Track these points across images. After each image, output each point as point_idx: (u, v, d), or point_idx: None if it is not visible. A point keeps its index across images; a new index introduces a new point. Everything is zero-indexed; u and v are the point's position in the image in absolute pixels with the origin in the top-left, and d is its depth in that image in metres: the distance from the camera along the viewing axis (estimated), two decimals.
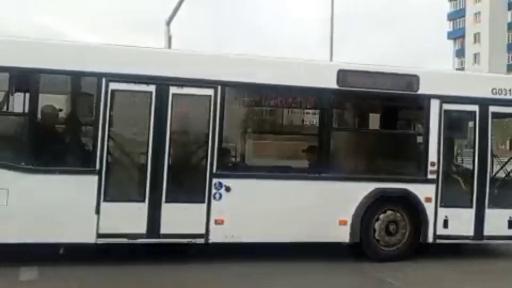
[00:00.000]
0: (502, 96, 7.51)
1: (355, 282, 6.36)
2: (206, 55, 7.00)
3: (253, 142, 7.75)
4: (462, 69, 62.02)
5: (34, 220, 6.10)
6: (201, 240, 6.59)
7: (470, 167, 7.51)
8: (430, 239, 7.23)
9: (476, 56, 63.31)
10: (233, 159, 6.89)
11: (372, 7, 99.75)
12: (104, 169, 6.30)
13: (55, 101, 6.45)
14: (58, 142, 6.52)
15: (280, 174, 6.99)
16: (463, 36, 66.02)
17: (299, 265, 6.64)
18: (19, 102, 6.27)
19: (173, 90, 6.52)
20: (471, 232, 7.38)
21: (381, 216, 7.13)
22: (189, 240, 6.60)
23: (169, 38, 13.62)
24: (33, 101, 6.19)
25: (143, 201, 6.42)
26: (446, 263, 7.20)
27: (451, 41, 68.34)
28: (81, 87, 6.62)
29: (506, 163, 7.86)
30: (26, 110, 6.20)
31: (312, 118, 7.50)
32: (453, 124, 7.55)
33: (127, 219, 6.39)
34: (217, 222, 6.58)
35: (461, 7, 66.56)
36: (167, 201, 6.46)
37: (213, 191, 6.57)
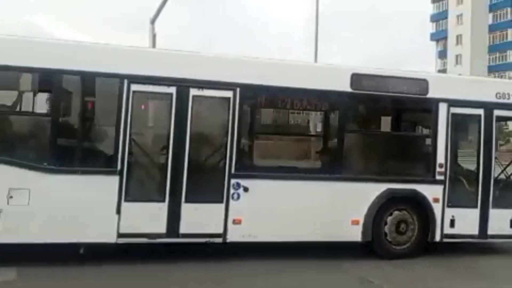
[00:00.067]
0: (506, 100, 7.81)
1: (336, 281, 6.38)
2: (225, 58, 7.12)
3: (269, 143, 7.91)
4: (444, 70, 63.22)
5: (55, 220, 6.15)
6: (219, 240, 6.72)
7: (475, 168, 7.79)
8: (438, 238, 7.50)
9: (458, 58, 64.52)
10: (250, 160, 7.00)
11: (358, 8, 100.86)
12: (125, 169, 6.37)
13: (77, 102, 6.46)
14: (80, 143, 6.53)
15: (295, 174, 7.14)
16: (445, 38, 67.18)
17: (278, 264, 6.68)
18: (41, 103, 6.27)
19: (193, 92, 6.62)
20: (476, 231, 7.66)
21: (392, 215, 7.36)
22: (208, 239, 6.72)
23: (154, 37, 13.63)
24: (56, 102, 6.22)
25: (163, 201, 6.51)
26: (429, 261, 7.33)
27: (434, 43, 69.45)
28: (103, 88, 6.66)
29: (508, 164, 8.15)
30: (49, 110, 6.22)
31: (326, 120, 7.65)
32: (460, 127, 7.84)
33: (148, 219, 6.47)
34: (235, 222, 6.71)
35: (443, 9, 67.72)
36: (186, 201, 6.56)
37: (231, 191, 6.70)
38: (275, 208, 6.77)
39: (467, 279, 6.64)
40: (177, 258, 6.70)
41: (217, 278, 6.16)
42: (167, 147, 6.57)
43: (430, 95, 7.49)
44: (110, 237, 6.35)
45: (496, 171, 7.88)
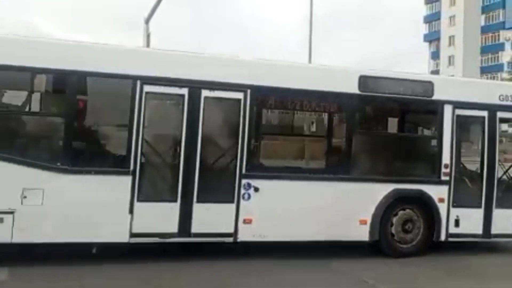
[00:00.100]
0: (509, 103, 7.96)
1: (331, 281, 6.39)
2: (237, 60, 7.20)
3: (279, 144, 8.00)
4: (437, 71, 63.79)
5: (68, 220, 6.19)
6: (230, 239, 6.79)
7: (479, 169, 7.95)
8: (443, 237, 7.64)
9: (450, 59, 65.06)
10: (261, 161, 7.09)
11: (353, 9, 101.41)
12: (138, 169, 6.42)
13: (91, 103, 6.50)
14: (93, 143, 6.60)
15: (305, 175, 7.25)
16: (438, 39, 67.71)
17: (271, 264, 6.71)
18: (55, 103, 6.31)
19: (205, 93, 6.68)
20: (480, 231, 7.81)
21: (398, 215, 7.49)
22: (219, 239, 6.79)
23: (148, 36, 13.65)
24: (69, 102, 6.26)
25: (175, 201, 6.57)
26: (422, 260, 7.40)
27: (427, 43, 69.96)
28: (116, 90, 6.70)
29: (510, 166, 8.31)
30: (62, 111, 6.25)
31: (335, 121, 7.75)
32: (464, 129, 7.98)
33: (160, 218, 6.53)
34: (246, 222, 6.79)
35: (436, 10, 68.24)
36: (198, 201, 6.63)
37: (242, 191, 6.78)
38: (285, 208, 6.86)
39: (459, 277, 6.72)
40: (173, 258, 6.72)
41: (208, 277, 6.18)
42: (179, 148, 6.63)
43: (436, 97, 7.62)
44: (122, 237, 6.40)
45: (500, 171, 8.03)
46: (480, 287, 6.43)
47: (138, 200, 6.42)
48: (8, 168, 6.01)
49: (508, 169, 8.27)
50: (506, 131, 9.41)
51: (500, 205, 7.87)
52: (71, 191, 6.18)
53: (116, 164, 6.57)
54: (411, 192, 7.50)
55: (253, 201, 6.79)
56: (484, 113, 7.86)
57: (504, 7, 59.55)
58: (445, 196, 7.60)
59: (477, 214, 7.80)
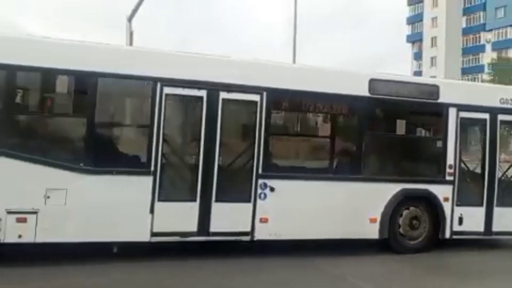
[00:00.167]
0: (509, 106, 8.33)
1: (312, 278, 6.44)
2: (253, 63, 7.36)
3: (293, 145, 8.21)
4: (420, 72, 64.88)
5: (91, 220, 6.29)
6: (247, 238, 6.98)
7: (481, 169, 8.30)
8: (447, 235, 7.96)
9: (433, 60, 66.19)
10: (276, 161, 7.29)
11: (337, 10, 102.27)
12: (158, 170, 6.54)
13: (112, 104, 6.59)
14: (115, 144, 6.70)
15: (318, 175, 7.49)
16: (421, 40, 68.78)
17: (256, 262, 6.80)
18: (78, 105, 6.39)
19: (222, 95, 6.84)
20: (482, 229, 8.16)
21: (405, 212, 7.79)
22: (236, 237, 6.96)
23: (131, 34, 13.63)
24: (92, 104, 6.34)
25: (195, 200, 6.72)
26: (405, 258, 7.52)
27: (410, 44, 71.03)
28: (137, 91, 6.81)
29: (510, 166, 8.69)
30: (85, 112, 6.34)
31: (346, 123, 8.00)
32: (468, 130, 8.35)
33: (180, 218, 6.68)
34: (262, 221, 6.98)
35: (419, 11, 69.27)
36: (216, 201, 6.78)
37: (259, 191, 6.96)
38: (299, 207, 7.07)
39: (440, 276, 6.84)
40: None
41: (192, 275, 6.21)
42: (198, 149, 6.77)
43: (441, 100, 7.93)
44: (143, 236, 6.52)
45: (501, 171, 8.39)
46: (460, 285, 6.55)
47: (159, 200, 6.55)
48: (32, 168, 6.08)
49: (508, 169, 8.63)
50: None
51: (501, 204, 8.22)
52: (93, 191, 6.28)
53: (137, 164, 6.69)
54: (418, 191, 7.80)
55: (269, 200, 6.98)
56: (486, 116, 8.20)
57: (484, 9, 60.90)
58: (450, 195, 7.91)
59: (479, 212, 8.14)
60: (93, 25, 73.79)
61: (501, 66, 45.90)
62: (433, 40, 66.53)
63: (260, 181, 6.97)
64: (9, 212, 6.01)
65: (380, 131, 7.86)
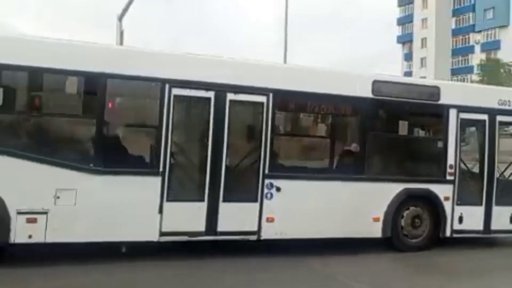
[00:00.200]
0: (507, 107, 8.52)
1: (303, 278, 6.45)
2: (259, 65, 7.45)
3: (299, 145, 8.32)
4: (410, 72, 65.42)
5: (100, 220, 6.34)
6: (253, 237, 7.07)
7: (480, 169, 8.48)
8: (448, 233, 8.14)
9: (423, 60, 66.79)
10: (282, 161, 7.40)
11: (328, 10, 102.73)
12: (167, 170, 6.60)
13: (122, 105, 6.65)
14: (124, 145, 6.73)
15: (323, 175, 7.61)
16: (411, 41, 69.37)
17: (246, 262, 6.81)
18: (87, 106, 6.43)
19: (230, 96, 6.92)
20: (481, 227, 8.35)
21: (407, 211, 7.95)
22: (243, 237, 7.04)
23: (121, 34, 13.59)
24: (101, 105, 6.38)
25: (203, 200, 6.79)
26: (394, 258, 7.63)
27: (400, 45, 71.62)
28: (146, 92, 6.87)
29: (509, 165, 8.89)
30: (94, 113, 6.38)
31: (351, 124, 8.10)
32: (467, 131, 8.52)
33: (188, 217, 6.75)
34: (268, 220, 7.08)
35: (409, 12, 69.86)
36: (224, 201, 6.86)
37: (265, 191, 7.06)
38: (305, 206, 7.18)
39: (430, 275, 6.91)
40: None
41: (181, 275, 6.23)
42: (205, 149, 6.84)
43: (442, 101, 8.10)
44: (152, 236, 6.58)
45: (499, 171, 8.58)
46: (450, 283, 6.62)
47: (167, 200, 6.61)
48: (42, 169, 6.11)
49: (506, 168, 8.83)
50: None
51: (499, 203, 8.42)
52: (103, 192, 6.33)
53: (146, 165, 6.77)
54: (420, 191, 7.96)
55: (275, 200, 7.07)
56: (485, 117, 8.39)
57: (474, 10, 61.62)
58: (450, 195, 8.09)
59: (478, 211, 8.33)
60: (82, 25, 73.18)
61: (489, 67, 46.59)
62: (423, 41, 67.12)
63: (267, 181, 7.06)
64: (20, 213, 6.03)
65: (383, 132, 7.98)
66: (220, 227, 6.86)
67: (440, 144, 8.21)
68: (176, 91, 6.67)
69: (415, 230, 8.01)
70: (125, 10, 13.54)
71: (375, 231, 7.68)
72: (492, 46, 58.07)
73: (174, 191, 6.69)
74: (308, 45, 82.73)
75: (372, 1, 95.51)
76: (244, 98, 7.05)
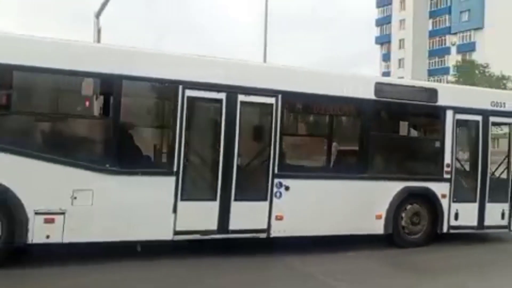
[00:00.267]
0: (499, 108, 8.95)
1: (281, 277, 6.49)
2: (269, 67, 7.69)
3: (306, 145, 8.56)
4: (388, 73, 66.62)
5: (116, 219, 6.42)
6: (263, 235, 7.26)
7: (474, 167, 8.89)
8: (445, 229, 8.52)
9: (400, 61, 68.14)
10: (291, 161, 7.63)
11: (308, 11, 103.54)
12: (181, 170, 6.74)
13: (137, 106, 6.74)
14: (139, 145, 6.83)
15: (330, 174, 7.85)
16: (389, 42, 70.64)
17: (225, 261, 6.83)
18: (105, 106, 6.51)
19: (241, 98, 7.09)
20: (475, 223, 8.76)
21: (407, 209, 8.29)
22: (253, 235, 7.23)
23: (99, 31, 13.39)
24: (117, 106, 6.47)
25: (215, 199, 6.95)
26: (371, 256, 7.70)
27: (379, 46, 72.80)
28: (160, 93, 6.99)
29: (499, 164, 9.32)
30: (112, 114, 6.46)
31: (355, 124, 8.35)
32: (463, 131, 8.92)
33: (201, 216, 6.90)
34: (278, 218, 7.28)
35: (388, 14, 71.12)
36: (235, 200, 7.04)
37: (274, 190, 7.27)
38: (312, 205, 7.43)
39: (408, 272, 7.02)
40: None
41: (162, 277, 6.16)
42: (218, 150, 7.00)
43: (439, 103, 8.46)
44: (167, 235, 6.71)
45: (491, 169, 9.01)
46: (425, 281, 6.64)
47: (182, 200, 6.74)
48: (59, 169, 6.17)
49: (498, 167, 9.26)
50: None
51: (491, 200, 8.84)
52: (119, 192, 6.43)
53: (160, 165, 6.89)
54: (419, 189, 8.30)
55: (284, 199, 7.29)
56: (479, 118, 8.80)
57: (450, 13, 63.15)
58: (447, 192, 8.46)
59: (473, 208, 8.73)
60: (59, 23, 71.92)
61: (465, 68, 47.84)
62: (401, 42, 68.48)
63: (276, 181, 7.27)
64: (37, 213, 6.08)
65: (385, 132, 8.28)
66: (232, 226, 7.03)
67: (437, 144, 8.57)
68: (189, 93, 6.81)
69: (414, 227, 8.36)
70: (102, 7, 13.27)
71: (378, 227, 7.99)
72: (467, 48, 59.64)
73: (188, 191, 6.82)
74: (288, 44, 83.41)
75: (352, 1, 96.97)
76: (254, 100, 7.23)
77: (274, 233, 7.29)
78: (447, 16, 63.77)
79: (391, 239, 8.20)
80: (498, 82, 41.91)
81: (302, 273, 6.64)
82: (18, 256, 6.21)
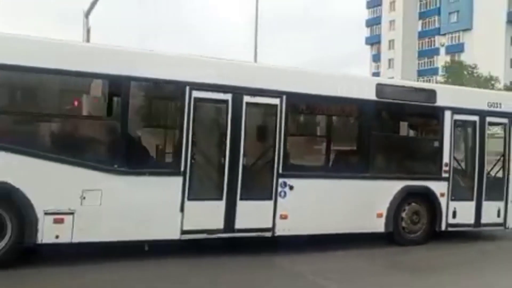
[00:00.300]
0: (495, 109, 9.17)
1: (271, 277, 6.45)
2: (274, 68, 7.76)
3: (310, 146, 8.70)
4: (378, 73, 67.15)
5: (124, 219, 6.49)
6: (268, 234, 7.38)
7: (471, 166, 9.10)
8: (443, 227, 8.71)
9: (390, 62, 68.71)
10: (295, 161, 7.74)
11: (298, 11, 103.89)
12: (188, 170, 6.82)
13: (145, 107, 6.81)
14: (147, 146, 6.91)
15: (333, 174, 7.99)
16: (379, 42, 71.19)
17: (214, 262, 6.83)
18: (113, 107, 6.56)
19: (246, 99, 7.20)
20: (472, 221, 8.97)
21: (407, 208, 8.46)
22: (259, 233, 7.34)
23: (88, 31, 13.45)
24: (125, 107, 6.54)
25: (221, 199, 7.05)
26: (360, 255, 7.74)
27: (369, 46, 73.34)
28: (167, 95, 7.07)
29: (495, 164, 9.54)
30: (119, 115, 6.52)
31: (357, 125, 8.47)
32: (460, 131, 9.13)
33: (208, 216, 6.99)
34: (282, 217, 7.41)
35: (378, 14, 71.68)
36: (241, 199, 7.15)
37: (279, 189, 7.39)
38: (316, 204, 7.56)
39: (397, 270, 7.07)
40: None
41: (154, 277, 6.13)
42: (224, 150, 7.11)
43: (438, 103, 8.66)
44: (174, 234, 6.79)
45: (487, 168, 9.22)
46: (414, 280, 6.62)
47: (189, 199, 6.83)
48: (68, 170, 6.23)
49: (494, 166, 9.48)
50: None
51: (488, 198, 9.06)
52: (127, 192, 6.49)
53: (168, 165, 6.96)
54: (418, 188, 8.49)
55: (289, 198, 7.41)
56: (476, 118, 9.01)
57: (439, 14, 63.82)
58: (445, 191, 8.65)
59: (470, 206, 8.94)
60: (47, 22, 71.31)
61: (454, 69, 48.42)
62: (391, 42, 69.03)
63: (281, 180, 7.39)
64: (47, 213, 6.12)
65: (386, 132, 8.45)
66: (238, 225, 7.13)
67: (436, 144, 8.76)
68: (195, 94, 6.90)
69: (413, 225, 8.53)
70: (91, 6, 13.29)
71: (379, 226, 8.15)
72: (456, 49, 60.29)
73: (195, 190, 6.90)
74: (279, 45, 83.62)
75: (343, 2, 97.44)
76: (259, 101, 7.35)
77: (278, 231, 7.41)
78: (436, 17, 64.40)
79: (391, 237, 8.36)
80: (486, 82, 42.43)
81: (292, 272, 6.66)
82: (27, 256, 6.24)
